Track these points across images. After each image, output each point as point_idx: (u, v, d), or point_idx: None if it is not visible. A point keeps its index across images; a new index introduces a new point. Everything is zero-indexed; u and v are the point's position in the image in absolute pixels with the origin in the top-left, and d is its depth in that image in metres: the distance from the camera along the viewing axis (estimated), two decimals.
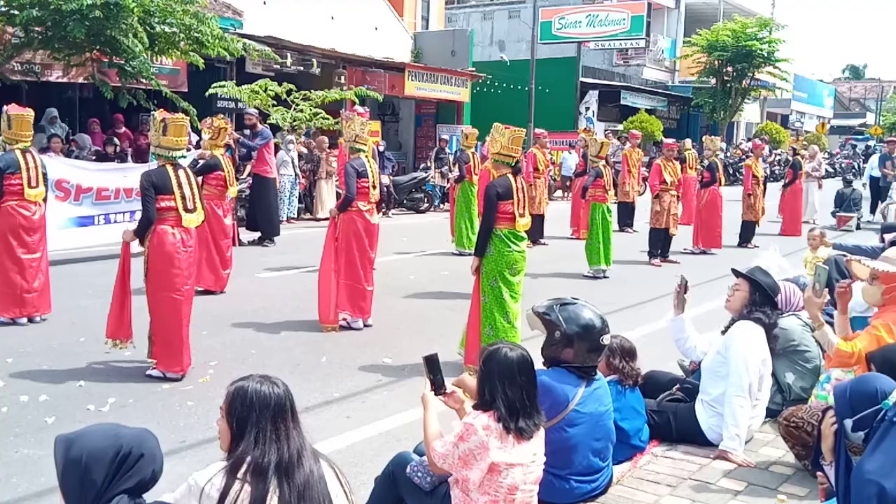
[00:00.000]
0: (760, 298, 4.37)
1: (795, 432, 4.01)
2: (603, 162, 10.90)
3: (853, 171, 28.34)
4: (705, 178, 12.90)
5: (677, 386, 4.67)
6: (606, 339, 3.60)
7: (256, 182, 12.18)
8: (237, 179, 12.92)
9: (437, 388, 3.23)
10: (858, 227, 16.25)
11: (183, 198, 5.65)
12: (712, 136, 14.64)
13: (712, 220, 12.68)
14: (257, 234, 12.16)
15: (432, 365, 3.24)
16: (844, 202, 17.05)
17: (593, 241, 10.38)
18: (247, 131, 12.34)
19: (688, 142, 17.32)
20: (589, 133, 15.09)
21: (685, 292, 4.72)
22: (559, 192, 21.21)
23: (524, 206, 5.95)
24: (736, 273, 4.55)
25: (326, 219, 14.85)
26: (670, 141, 12.76)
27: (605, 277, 10.31)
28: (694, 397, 4.44)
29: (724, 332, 4.42)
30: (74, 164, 10.72)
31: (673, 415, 4.40)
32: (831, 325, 4.31)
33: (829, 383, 4.34)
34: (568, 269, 10.67)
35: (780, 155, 25.74)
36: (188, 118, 6.01)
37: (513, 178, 5.91)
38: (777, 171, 26.10)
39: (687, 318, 4.75)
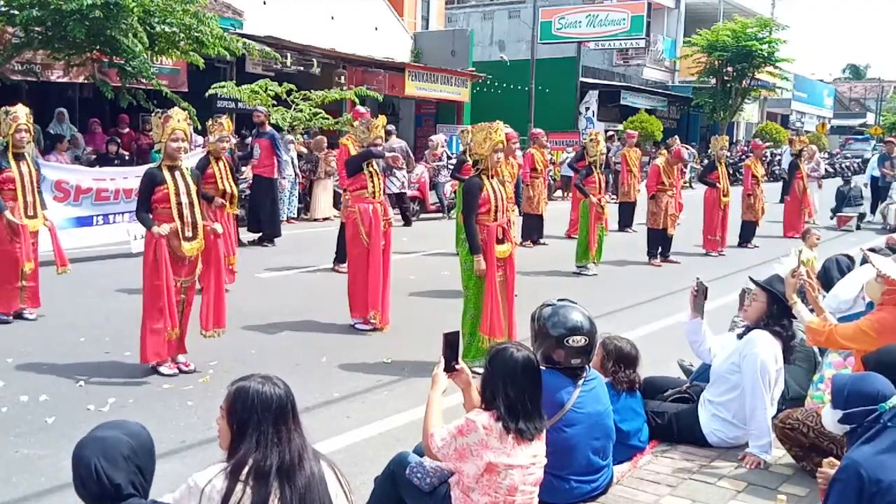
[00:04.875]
0: (778, 311, 4.23)
1: (791, 434, 4.02)
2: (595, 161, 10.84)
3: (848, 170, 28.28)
4: (711, 178, 12.82)
5: (687, 384, 4.67)
6: (575, 342, 3.49)
7: (257, 182, 12.16)
8: (237, 180, 12.96)
9: (448, 365, 3.24)
10: (859, 228, 16.25)
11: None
12: (718, 136, 14.55)
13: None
14: (257, 235, 12.14)
15: (451, 343, 3.26)
16: (845, 200, 17.04)
17: (582, 238, 10.48)
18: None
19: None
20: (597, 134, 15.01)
21: (704, 297, 4.62)
22: (559, 192, 21.21)
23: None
24: (754, 283, 4.43)
25: (326, 219, 15.06)
26: (683, 153, 12.59)
27: (593, 275, 10.34)
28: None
29: (740, 337, 4.34)
30: (73, 168, 10.71)
31: (675, 416, 4.39)
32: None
33: (823, 383, 4.37)
34: (567, 268, 10.65)
35: (780, 155, 25.73)
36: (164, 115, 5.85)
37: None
38: (777, 172, 26.08)
39: (704, 320, 4.65)
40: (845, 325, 4.14)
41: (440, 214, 16.38)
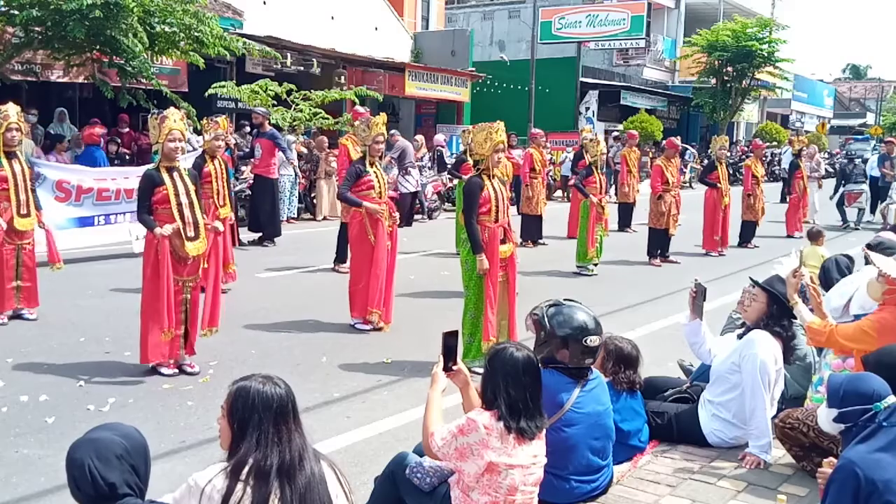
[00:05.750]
0: (778, 311, 4.25)
1: (791, 433, 4.02)
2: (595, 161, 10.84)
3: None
4: (712, 178, 12.82)
5: (687, 384, 4.66)
6: (592, 342, 3.53)
7: (258, 182, 12.15)
8: (237, 179, 12.96)
9: (447, 363, 3.26)
10: (857, 228, 16.23)
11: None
12: (718, 136, 14.55)
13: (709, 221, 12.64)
14: (258, 234, 12.14)
15: (449, 343, 3.27)
16: (850, 178, 17.11)
17: (581, 238, 10.49)
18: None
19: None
20: (589, 131, 15.05)
21: (703, 298, 4.62)
22: (559, 192, 21.20)
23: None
24: (754, 283, 4.42)
25: (325, 219, 15.05)
26: (675, 141, 12.62)
27: (593, 275, 10.34)
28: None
29: (740, 337, 4.35)
30: (75, 168, 10.69)
31: (675, 416, 4.39)
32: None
33: (823, 385, 4.36)
34: (567, 268, 10.66)
35: (780, 155, 25.76)
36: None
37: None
38: (777, 172, 26.07)
39: (704, 322, 4.65)
40: (846, 326, 4.15)
41: (421, 216, 16.24)
